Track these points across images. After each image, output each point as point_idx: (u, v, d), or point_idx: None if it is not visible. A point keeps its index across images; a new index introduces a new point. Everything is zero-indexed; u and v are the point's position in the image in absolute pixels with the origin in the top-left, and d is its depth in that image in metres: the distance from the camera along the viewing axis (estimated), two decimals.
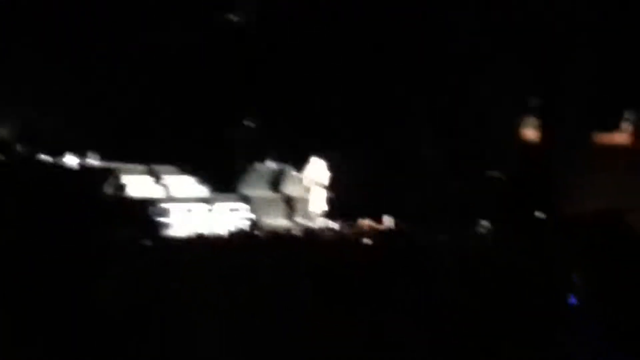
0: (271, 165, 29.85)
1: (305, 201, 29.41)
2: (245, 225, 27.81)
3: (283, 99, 30.05)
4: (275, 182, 29.84)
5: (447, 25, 29.84)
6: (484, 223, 27.26)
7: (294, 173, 30.19)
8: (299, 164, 30.10)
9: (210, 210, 27.59)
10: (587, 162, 28.00)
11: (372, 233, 27.76)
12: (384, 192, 28.56)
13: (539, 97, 29.60)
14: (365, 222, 28.33)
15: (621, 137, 28.80)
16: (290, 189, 29.87)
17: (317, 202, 29.13)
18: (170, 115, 29.45)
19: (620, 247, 24.62)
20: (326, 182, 29.12)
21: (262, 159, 30.03)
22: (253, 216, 28.34)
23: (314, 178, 29.35)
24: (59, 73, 28.97)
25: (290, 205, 29.47)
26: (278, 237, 27.32)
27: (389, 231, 27.78)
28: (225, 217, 27.76)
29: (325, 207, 28.97)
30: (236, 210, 28.12)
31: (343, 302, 19.26)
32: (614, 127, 28.79)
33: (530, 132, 29.78)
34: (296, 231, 27.69)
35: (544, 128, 29.45)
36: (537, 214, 26.98)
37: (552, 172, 28.59)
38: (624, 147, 28.64)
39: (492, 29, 29.56)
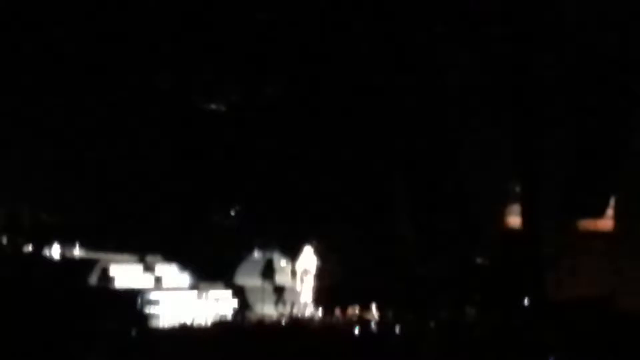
0: (261, 253, 29.73)
1: (295, 290, 29.13)
2: (230, 314, 27.56)
3: (269, 186, 30.14)
4: (265, 271, 29.57)
5: (432, 107, 30.19)
6: (470, 309, 27.16)
7: (284, 262, 29.93)
8: (291, 252, 29.93)
9: (196, 299, 27.40)
10: (572, 247, 28.15)
11: (357, 322, 27.78)
12: (371, 280, 28.49)
13: (521, 184, 29.81)
14: (352, 311, 28.19)
15: (605, 222, 28.99)
16: (280, 277, 29.63)
17: (308, 291, 28.97)
18: (156, 203, 29.37)
19: (608, 332, 24.62)
20: (315, 270, 29.01)
21: (251, 247, 29.89)
22: (237, 305, 28.07)
23: (305, 267, 29.17)
24: (45, 165, 28.99)
25: (280, 294, 29.16)
26: (262, 327, 27.26)
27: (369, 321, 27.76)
28: (212, 306, 27.51)
29: (315, 296, 28.81)
30: (223, 299, 27.88)
31: None
32: (599, 213, 28.99)
33: (514, 219, 29.91)
34: (283, 321, 27.46)
35: (526, 216, 29.55)
36: (523, 300, 26.85)
37: (537, 259, 28.59)
38: (607, 232, 28.82)
39: (475, 112, 29.94)
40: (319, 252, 29.78)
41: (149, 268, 27.92)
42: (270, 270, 29.78)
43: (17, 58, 28.73)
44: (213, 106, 31.32)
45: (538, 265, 28.30)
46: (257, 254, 29.89)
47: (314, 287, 29.61)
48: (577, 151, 29.19)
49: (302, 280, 29.77)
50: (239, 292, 29.08)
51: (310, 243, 29.59)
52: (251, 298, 29.08)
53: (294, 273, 29.77)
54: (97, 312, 25.52)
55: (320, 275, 29.60)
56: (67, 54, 29.30)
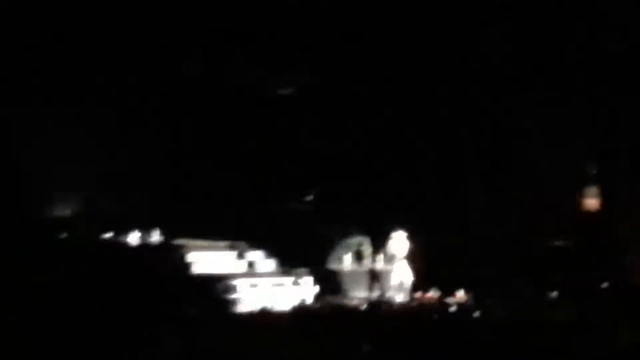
0: (353, 238, 30.06)
1: (388, 274, 29.41)
2: (311, 299, 27.98)
3: (349, 172, 30.41)
4: (358, 256, 29.91)
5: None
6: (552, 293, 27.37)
7: (376, 246, 30.26)
8: (381, 237, 30.12)
9: (280, 285, 27.77)
10: None
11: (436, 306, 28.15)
12: (455, 264, 28.73)
13: (597, 165, 29.84)
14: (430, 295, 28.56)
15: None
16: (373, 262, 30.01)
17: (401, 274, 29.14)
18: (243, 190, 29.74)
19: None
20: (408, 254, 29.17)
21: (343, 233, 30.20)
22: (319, 291, 28.43)
23: (397, 251, 29.38)
24: (124, 153, 29.43)
25: (374, 278, 29.56)
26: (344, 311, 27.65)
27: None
28: (295, 292, 27.87)
29: (410, 280, 29.05)
30: (306, 284, 28.28)
31: None
32: None
33: (592, 201, 29.96)
34: (376, 304, 27.84)
35: (604, 196, 29.60)
36: (604, 283, 26.99)
37: (616, 241, 28.67)
38: None
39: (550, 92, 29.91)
40: (412, 237, 29.95)
41: (238, 255, 28.17)
42: (361, 255, 30.10)
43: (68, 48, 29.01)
44: (285, 91, 31.60)
45: (616, 248, 28.42)
46: (348, 240, 30.20)
47: (407, 271, 29.74)
48: None
49: (394, 264, 29.87)
50: (332, 277, 29.46)
51: (400, 228, 29.74)
52: (345, 283, 29.39)
53: (387, 257, 30.02)
54: (183, 297, 25.85)
55: (413, 259, 29.79)
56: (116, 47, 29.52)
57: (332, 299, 28.64)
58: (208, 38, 30.38)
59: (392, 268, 29.73)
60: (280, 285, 27.86)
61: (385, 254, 30.15)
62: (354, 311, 27.74)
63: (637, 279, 27.04)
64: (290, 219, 30.64)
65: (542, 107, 30.01)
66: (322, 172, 31.11)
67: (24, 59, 28.09)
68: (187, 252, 27.35)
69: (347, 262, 30.24)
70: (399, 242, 29.69)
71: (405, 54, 30.77)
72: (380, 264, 30.26)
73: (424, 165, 30.75)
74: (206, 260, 27.47)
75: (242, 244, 28.53)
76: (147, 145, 29.92)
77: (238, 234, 28.48)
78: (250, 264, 28.30)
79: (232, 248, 28.18)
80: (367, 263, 30.45)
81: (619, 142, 29.62)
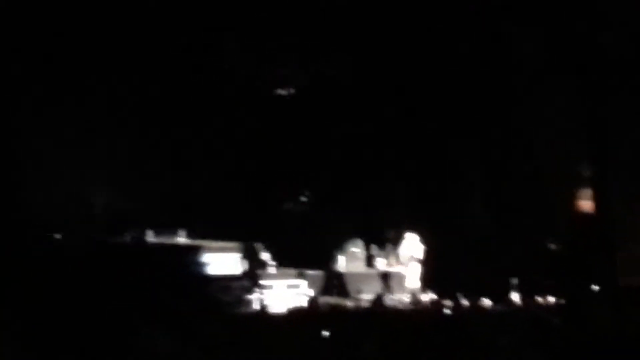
0: (357, 241, 30.25)
1: (401, 276, 29.70)
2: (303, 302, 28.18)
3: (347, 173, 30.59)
4: (369, 258, 30.23)
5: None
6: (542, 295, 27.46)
7: (388, 249, 30.57)
8: (394, 239, 30.43)
9: (292, 286, 27.93)
10: None
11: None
12: (454, 266, 28.89)
13: (591, 167, 29.83)
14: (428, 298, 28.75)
15: None
16: (385, 264, 30.33)
17: (414, 276, 29.35)
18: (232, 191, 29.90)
19: None
20: (420, 256, 29.29)
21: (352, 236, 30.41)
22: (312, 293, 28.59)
23: (409, 253, 29.60)
24: (124, 151, 29.49)
25: (386, 280, 29.84)
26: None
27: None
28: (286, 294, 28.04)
29: (420, 282, 29.15)
30: (296, 287, 28.45)
31: None
32: None
33: (586, 204, 29.98)
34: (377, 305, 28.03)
35: (599, 200, 29.60)
36: (593, 285, 27.02)
37: (610, 244, 28.68)
38: None
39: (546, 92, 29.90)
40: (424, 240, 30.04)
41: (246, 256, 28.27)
42: (370, 258, 30.40)
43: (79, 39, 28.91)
44: (282, 91, 31.70)
45: (610, 250, 28.44)
46: (353, 242, 30.48)
47: (418, 274, 29.86)
48: None
49: (410, 266, 30.01)
50: (338, 279, 29.67)
51: (411, 230, 29.84)
52: (354, 285, 29.58)
53: (400, 260, 30.18)
54: (180, 299, 25.99)
55: (425, 261, 29.89)
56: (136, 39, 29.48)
57: (334, 300, 28.84)
58: (209, 31, 30.43)
59: (405, 270, 29.91)
60: (292, 286, 27.99)
61: (398, 256, 30.35)
62: (353, 312, 28.01)
63: (629, 282, 27.02)
64: (293, 220, 30.84)
65: (538, 108, 30.02)
66: (323, 173, 31.26)
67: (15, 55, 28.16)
68: (194, 253, 27.49)
69: (355, 263, 30.43)
70: (412, 244, 29.84)
71: (399, 50, 30.79)
72: (392, 266, 30.48)
73: (421, 167, 30.84)
74: (215, 261, 27.53)
75: (253, 244, 28.65)
76: (147, 143, 29.93)
77: (245, 235, 28.44)
78: (260, 265, 28.39)
79: (238, 249, 28.19)
80: (378, 265, 30.67)
81: (613, 144, 29.53)
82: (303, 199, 31.36)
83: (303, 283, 28.32)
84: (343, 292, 29.43)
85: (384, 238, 31.01)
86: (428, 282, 29.59)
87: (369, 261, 30.64)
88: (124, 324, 24.01)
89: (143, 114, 29.82)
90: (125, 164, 29.30)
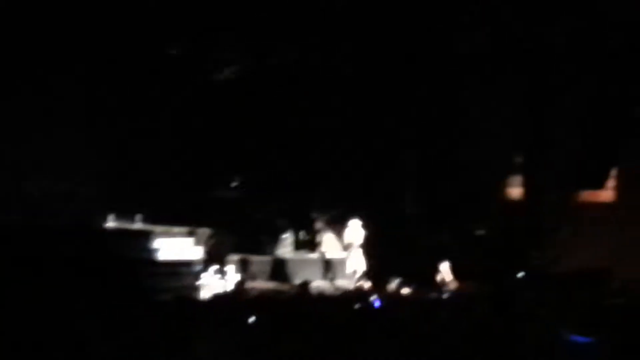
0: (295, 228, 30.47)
1: (343, 262, 29.76)
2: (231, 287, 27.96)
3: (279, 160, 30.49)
4: (311, 243, 30.55)
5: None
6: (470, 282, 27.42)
7: (331, 234, 30.62)
8: (338, 225, 30.52)
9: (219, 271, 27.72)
10: (572, 219, 28.25)
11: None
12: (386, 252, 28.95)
13: (523, 155, 29.91)
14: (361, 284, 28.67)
15: (606, 194, 29.06)
16: (327, 250, 30.47)
17: (356, 263, 29.37)
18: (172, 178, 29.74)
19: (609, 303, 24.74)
20: (361, 242, 29.36)
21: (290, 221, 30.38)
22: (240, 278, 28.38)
23: (351, 239, 29.61)
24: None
25: (328, 266, 30.04)
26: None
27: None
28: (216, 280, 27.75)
29: (363, 268, 29.10)
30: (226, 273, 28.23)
31: None
32: (601, 185, 29.04)
33: (516, 191, 30.07)
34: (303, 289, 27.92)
35: (528, 186, 29.69)
36: (521, 272, 27.04)
37: (538, 230, 28.76)
38: (608, 203, 28.87)
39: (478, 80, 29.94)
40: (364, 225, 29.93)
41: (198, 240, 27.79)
42: (314, 243, 30.67)
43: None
44: (224, 74, 31.55)
45: (538, 237, 28.51)
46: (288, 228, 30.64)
47: (361, 260, 29.76)
48: (579, 122, 29.25)
49: (351, 252, 29.93)
50: (280, 264, 29.81)
51: (357, 217, 29.80)
52: (294, 270, 29.65)
53: (343, 245, 30.24)
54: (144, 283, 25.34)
55: (367, 247, 29.84)
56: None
57: (264, 285, 28.70)
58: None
59: (346, 256, 29.84)
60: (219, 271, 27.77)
61: (341, 242, 30.28)
62: (277, 297, 27.85)
63: (559, 270, 27.05)
64: (226, 206, 30.75)
65: (473, 97, 30.05)
66: (259, 159, 31.20)
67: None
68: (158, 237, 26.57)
69: (297, 249, 30.37)
70: (355, 230, 29.77)
71: (340, 39, 30.78)
72: (333, 252, 30.40)
73: (356, 155, 30.81)
74: (165, 246, 26.63)
75: (203, 230, 28.44)
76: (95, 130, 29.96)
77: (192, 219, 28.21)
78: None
79: (190, 234, 27.74)
80: (320, 251, 30.61)
81: (547, 133, 29.63)
82: (235, 184, 31.31)
83: (230, 267, 28.01)
84: (277, 277, 29.36)
85: (317, 224, 30.95)
86: (363, 268, 29.55)
87: (308, 247, 30.62)
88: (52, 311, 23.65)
89: (86, 101, 29.90)
90: (69, 151, 29.27)
